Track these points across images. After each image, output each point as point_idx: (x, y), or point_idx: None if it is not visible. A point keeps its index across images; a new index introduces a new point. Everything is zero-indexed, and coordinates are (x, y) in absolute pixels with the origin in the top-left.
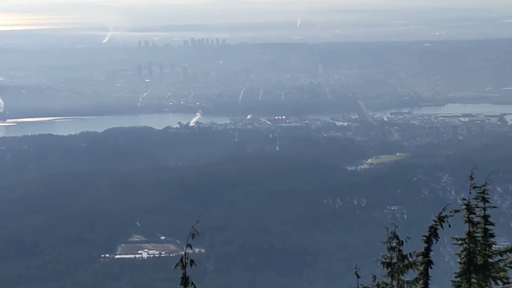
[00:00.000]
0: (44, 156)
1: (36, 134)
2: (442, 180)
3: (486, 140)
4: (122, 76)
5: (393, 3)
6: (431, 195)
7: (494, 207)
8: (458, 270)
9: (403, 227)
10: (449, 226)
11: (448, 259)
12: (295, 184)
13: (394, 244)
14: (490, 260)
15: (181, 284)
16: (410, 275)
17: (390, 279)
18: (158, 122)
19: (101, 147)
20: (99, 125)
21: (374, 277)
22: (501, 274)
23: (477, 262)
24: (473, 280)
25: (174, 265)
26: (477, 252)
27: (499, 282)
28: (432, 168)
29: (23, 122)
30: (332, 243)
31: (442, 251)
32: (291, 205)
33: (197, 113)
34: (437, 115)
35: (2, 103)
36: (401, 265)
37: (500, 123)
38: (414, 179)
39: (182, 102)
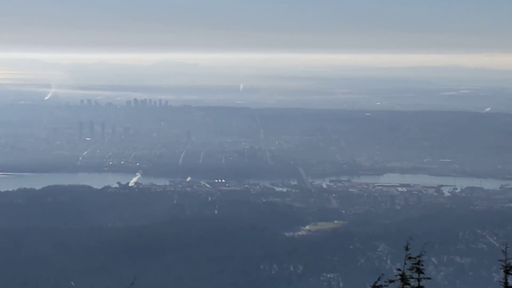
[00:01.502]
0: None
1: None
2: (379, 249)
3: (423, 211)
4: (63, 134)
5: (337, 72)
6: (367, 263)
7: (429, 278)
8: None
9: None
10: None
11: None
12: (232, 248)
13: None
14: None
15: None
16: None
17: None
18: (97, 182)
19: (39, 204)
20: (37, 182)
21: None
22: None
23: None
24: None
25: None
26: None
27: None
28: (369, 237)
29: None
30: None
31: None
32: (228, 270)
33: (137, 174)
34: (375, 184)
35: None
36: None
37: (437, 194)
38: (351, 247)
39: (122, 162)
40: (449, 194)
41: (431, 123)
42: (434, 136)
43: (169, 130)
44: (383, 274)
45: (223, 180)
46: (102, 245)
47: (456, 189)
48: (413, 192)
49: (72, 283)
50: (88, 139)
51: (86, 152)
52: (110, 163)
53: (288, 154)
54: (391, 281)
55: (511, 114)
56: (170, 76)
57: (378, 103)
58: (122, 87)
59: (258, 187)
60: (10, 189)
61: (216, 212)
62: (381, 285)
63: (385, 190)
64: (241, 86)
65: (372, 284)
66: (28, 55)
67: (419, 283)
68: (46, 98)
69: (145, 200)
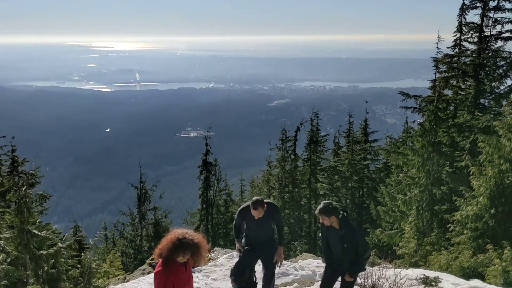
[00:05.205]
0: None
1: None
2: None
3: None
4: None
5: None
6: None
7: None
8: (307, 142)
9: None
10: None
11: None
12: None
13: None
14: (320, 139)
15: None
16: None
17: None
18: None
19: None
20: None
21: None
22: (324, 148)
23: (314, 139)
24: (312, 146)
25: None
26: (314, 136)
27: (323, 146)
28: None
29: None
30: None
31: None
32: None
33: None
34: None
35: None
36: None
37: None
38: None
39: None
40: None
41: None
42: None
43: None
44: (306, 120)
45: None
46: None
47: None
48: None
49: None
50: None
51: None
52: None
53: None
54: (302, 123)
55: None
56: None
57: None
58: None
59: None
60: None
61: None
62: (299, 126)
63: None
64: None
65: (297, 126)
66: None
67: (317, 126)
68: None
69: None
